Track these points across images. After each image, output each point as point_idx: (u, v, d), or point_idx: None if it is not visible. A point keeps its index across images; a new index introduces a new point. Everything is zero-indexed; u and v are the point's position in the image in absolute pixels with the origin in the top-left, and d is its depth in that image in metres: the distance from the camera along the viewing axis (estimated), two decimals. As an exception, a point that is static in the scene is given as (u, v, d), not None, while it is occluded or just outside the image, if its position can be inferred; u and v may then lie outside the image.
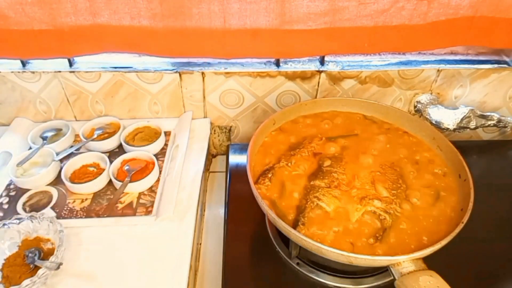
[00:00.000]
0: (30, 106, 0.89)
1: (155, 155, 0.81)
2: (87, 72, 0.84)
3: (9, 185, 0.76)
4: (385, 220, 0.57)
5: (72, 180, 0.75)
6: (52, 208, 0.72)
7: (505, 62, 0.91)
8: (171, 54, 0.81)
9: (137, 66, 0.86)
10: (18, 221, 0.64)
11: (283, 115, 0.75)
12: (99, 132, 0.86)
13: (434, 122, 0.90)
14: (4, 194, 0.74)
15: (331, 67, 0.87)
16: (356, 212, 0.58)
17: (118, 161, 0.78)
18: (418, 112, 0.93)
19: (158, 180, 0.77)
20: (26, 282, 0.55)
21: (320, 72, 0.87)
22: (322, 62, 0.88)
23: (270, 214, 0.54)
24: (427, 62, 0.90)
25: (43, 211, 0.70)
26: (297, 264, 0.65)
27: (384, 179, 0.63)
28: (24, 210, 0.71)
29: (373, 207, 0.58)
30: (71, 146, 0.84)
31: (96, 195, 0.74)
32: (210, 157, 1.00)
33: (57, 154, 0.80)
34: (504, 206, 0.78)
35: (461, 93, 0.92)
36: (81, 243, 0.66)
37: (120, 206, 0.72)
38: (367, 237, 0.55)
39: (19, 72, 0.83)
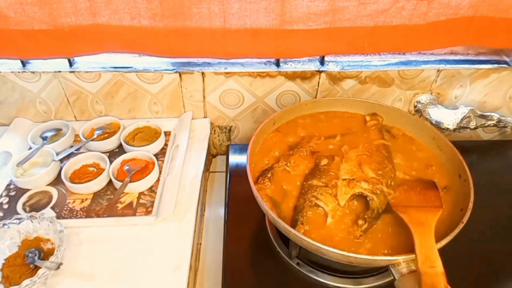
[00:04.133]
0: (30, 106, 0.89)
1: (155, 155, 0.81)
2: (87, 72, 0.84)
3: (9, 185, 0.76)
4: (373, 201, 0.58)
5: (72, 180, 0.75)
6: (52, 208, 0.72)
7: (505, 62, 0.91)
8: (171, 54, 0.81)
9: (137, 66, 0.86)
10: (18, 221, 0.64)
11: (283, 115, 0.75)
12: (99, 132, 0.86)
13: (434, 122, 0.90)
14: (4, 194, 0.74)
15: (331, 67, 0.87)
16: (344, 195, 0.59)
17: (118, 161, 0.78)
18: (418, 112, 0.93)
19: (158, 180, 0.77)
20: (26, 282, 0.55)
21: (320, 72, 0.87)
22: (322, 62, 0.88)
23: (270, 214, 0.54)
24: (427, 62, 0.90)
25: (43, 211, 0.70)
26: (297, 264, 0.65)
27: (370, 160, 0.64)
28: (24, 210, 0.71)
29: (361, 188, 0.59)
30: (71, 146, 0.84)
31: (96, 195, 0.74)
32: (210, 157, 1.00)
33: (57, 154, 0.80)
34: (504, 206, 0.78)
35: (461, 93, 0.92)
36: (81, 243, 0.66)
37: (120, 206, 0.72)
38: (356, 220, 0.56)
39: (19, 72, 0.83)
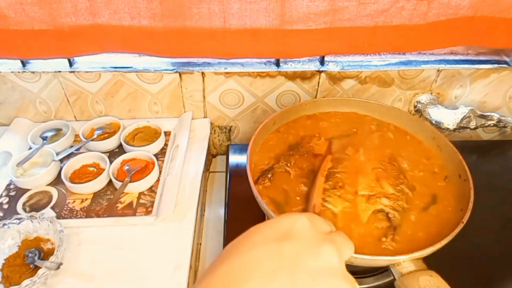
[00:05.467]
0: (30, 106, 0.89)
1: (155, 155, 0.81)
2: (87, 72, 0.84)
3: (9, 185, 0.76)
4: (394, 218, 0.57)
5: (72, 180, 0.75)
6: (52, 208, 0.72)
7: (505, 62, 0.91)
8: (171, 54, 0.81)
9: (137, 66, 0.86)
10: (18, 221, 0.64)
11: (283, 115, 0.75)
12: (99, 132, 0.86)
13: (434, 122, 0.90)
14: (4, 194, 0.74)
15: (331, 67, 0.87)
16: (366, 211, 0.58)
17: (118, 161, 0.78)
18: (418, 112, 0.93)
19: (158, 180, 0.77)
20: (26, 282, 0.55)
21: (320, 72, 0.87)
22: (322, 62, 0.88)
23: (270, 214, 0.54)
24: (427, 62, 0.90)
25: (43, 211, 0.70)
26: (297, 264, 0.64)
27: (387, 175, 0.63)
28: (24, 210, 0.71)
29: (381, 205, 0.58)
30: (71, 146, 0.84)
31: (96, 195, 0.74)
32: (210, 157, 1.00)
33: (57, 154, 0.79)
34: (504, 206, 0.78)
35: (461, 93, 0.92)
36: (81, 243, 0.66)
37: (120, 206, 0.72)
38: (379, 237, 0.55)
39: (19, 72, 0.83)
